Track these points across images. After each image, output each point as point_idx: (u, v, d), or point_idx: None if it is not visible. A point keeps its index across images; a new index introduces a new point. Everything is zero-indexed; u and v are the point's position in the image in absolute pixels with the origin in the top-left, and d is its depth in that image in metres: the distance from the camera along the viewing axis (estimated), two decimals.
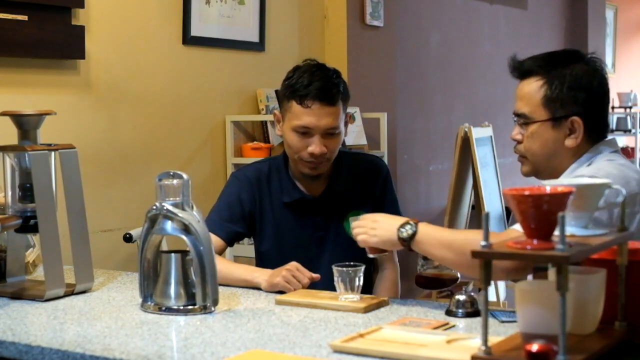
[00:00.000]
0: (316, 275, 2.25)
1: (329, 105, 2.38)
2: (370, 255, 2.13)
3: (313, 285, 2.22)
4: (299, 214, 2.52)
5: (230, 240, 2.52)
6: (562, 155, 2.08)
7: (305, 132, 2.40)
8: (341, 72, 2.49)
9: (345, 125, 2.48)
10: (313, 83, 2.37)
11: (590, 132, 2.06)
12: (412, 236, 1.98)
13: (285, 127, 2.45)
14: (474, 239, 1.87)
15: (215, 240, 2.43)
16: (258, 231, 2.55)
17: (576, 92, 2.04)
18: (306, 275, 2.23)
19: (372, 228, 2.06)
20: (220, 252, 2.50)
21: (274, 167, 2.56)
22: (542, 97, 2.06)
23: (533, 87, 2.08)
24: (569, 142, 2.06)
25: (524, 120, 2.10)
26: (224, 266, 2.32)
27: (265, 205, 2.53)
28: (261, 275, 2.29)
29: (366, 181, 2.57)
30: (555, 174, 2.08)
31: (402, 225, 2.00)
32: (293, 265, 2.24)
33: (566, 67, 2.06)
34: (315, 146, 2.40)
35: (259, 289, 2.29)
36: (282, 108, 2.47)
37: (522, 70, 2.11)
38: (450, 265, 2.03)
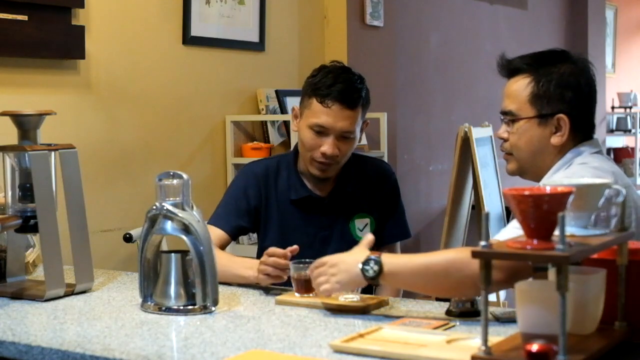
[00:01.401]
0: (293, 248, 2.17)
1: (348, 109, 2.40)
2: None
3: None
4: (305, 212, 2.52)
5: (234, 234, 2.53)
6: (547, 153, 2.08)
7: (320, 131, 2.42)
8: (365, 79, 2.49)
9: (361, 131, 2.50)
10: (336, 84, 2.40)
11: (576, 130, 2.07)
12: (380, 271, 1.88)
13: (302, 124, 2.46)
14: (454, 257, 1.81)
15: (220, 234, 2.45)
16: (262, 226, 2.55)
17: (563, 90, 2.05)
18: (279, 255, 2.16)
19: (333, 274, 1.96)
20: (224, 246, 2.50)
21: (284, 163, 2.57)
22: (529, 94, 2.07)
23: (520, 85, 2.09)
24: (555, 139, 2.06)
25: (510, 117, 2.11)
26: (225, 260, 2.30)
27: (272, 201, 2.53)
28: (253, 272, 2.25)
29: (374, 186, 2.58)
30: (540, 173, 2.08)
31: (366, 263, 1.90)
32: (264, 256, 2.19)
33: (554, 66, 2.07)
34: (328, 146, 2.41)
35: (259, 287, 2.29)
36: (302, 104, 2.49)
37: (510, 68, 2.13)
38: (426, 289, 1.93)
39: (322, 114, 2.40)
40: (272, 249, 2.18)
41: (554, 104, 2.05)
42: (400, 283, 1.95)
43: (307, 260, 2.14)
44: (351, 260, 1.94)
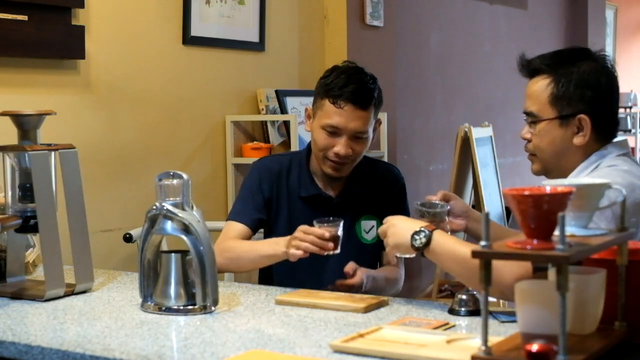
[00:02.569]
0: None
1: (360, 109, 2.41)
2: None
3: (319, 285, 2.21)
4: (313, 209, 2.54)
5: (255, 227, 2.56)
6: (570, 153, 2.07)
7: (333, 132, 2.43)
8: (378, 79, 2.49)
9: (374, 131, 2.50)
10: (349, 85, 2.40)
11: (598, 130, 2.06)
12: (426, 245, 1.94)
13: (315, 124, 2.48)
14: (493, 263, 1.84)
15: (241, 228, 2.49)
16: (272, 220, 2.57)
17: (583, 90, 2.04)
18: (318, 234, 2.22)
19: (387, 236, 2.03)
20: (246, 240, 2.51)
21: (296, 161, 2.59)
22: (549, 95, 2.06)
23: (540, 86, 2.08)
24: (577, 140, 2.05)
25: (532, 118, 2.10)
26: (247, 247, 2.38)
27: (282, 197, 2.56)
28: (281, 248, 2.29)
29: (382, 189, 2.59)
30: (565, 173, 2.07)
31: (416, 233, 1.95)
32: (298, 232, 2.25)
33: (573, 65, 2.06)
34: (341, 147, 2.42)
35: (260, 286, 2.29)
36: (314, 105, 2.51)
37: (530, 68, 2.12)
38: (458, 277, 1.99)
39: (334, 114, 2.42)
40: (306, 227, 2.22)
41: (574, 104, 2.04)
42: (439, 262, 1.98)
43: (330, 218, 2.20)
44: (406, 226, 1.99)
